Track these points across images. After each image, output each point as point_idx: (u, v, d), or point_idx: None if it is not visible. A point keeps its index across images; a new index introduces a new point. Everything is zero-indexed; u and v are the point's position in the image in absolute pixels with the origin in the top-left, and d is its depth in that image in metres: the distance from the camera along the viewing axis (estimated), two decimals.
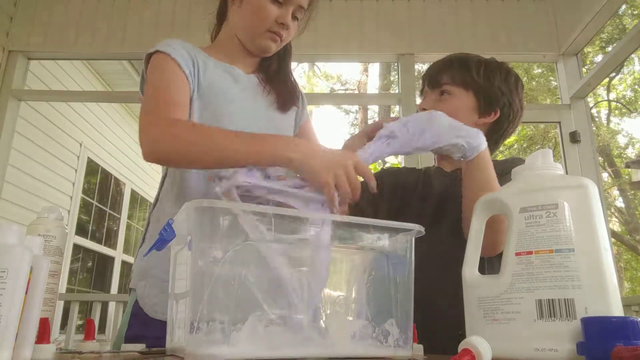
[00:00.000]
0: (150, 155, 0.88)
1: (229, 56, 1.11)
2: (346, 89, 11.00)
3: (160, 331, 0.80)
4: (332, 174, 0.76)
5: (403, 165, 2.86)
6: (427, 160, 2.68)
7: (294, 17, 1.07)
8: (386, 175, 1.22)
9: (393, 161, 8.33)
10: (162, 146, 0.87)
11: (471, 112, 1.10)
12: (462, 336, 0.60)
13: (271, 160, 0.79)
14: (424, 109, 1.09)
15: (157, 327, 0.91)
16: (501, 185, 0.86)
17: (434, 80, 1.13)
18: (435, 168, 1.19)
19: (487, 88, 1.09)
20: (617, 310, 0.61)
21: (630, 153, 9.64)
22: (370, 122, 10.92)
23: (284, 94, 1.13)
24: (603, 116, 10.02)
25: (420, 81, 1.22)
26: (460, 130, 0.88)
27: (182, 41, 1.06)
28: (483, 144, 0.90)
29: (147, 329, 0.94)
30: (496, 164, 1.09)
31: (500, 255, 1.00)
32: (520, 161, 1.05)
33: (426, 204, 1.12)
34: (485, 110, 1.10)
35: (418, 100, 1.28)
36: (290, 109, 1.15)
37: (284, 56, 1.17)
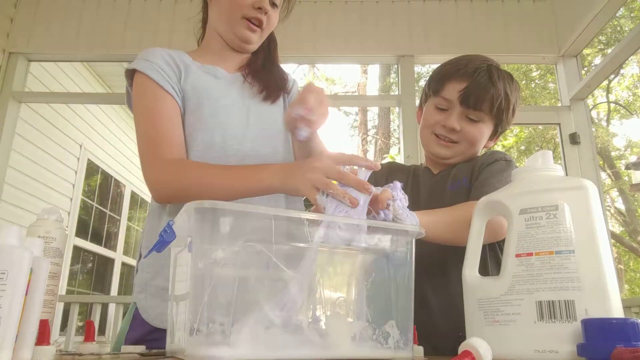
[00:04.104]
0: (157, 198, 0.96)
1: (214, 57, 1.10)
2: (346, 92, 11.00)
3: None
4: (310, 184, 0.72)
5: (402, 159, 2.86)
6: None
7: (273, 4, 1.06)
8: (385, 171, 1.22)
9: (391, 153, 8.32)
10: (163, 191, 0.94)
11: (486, 137, 1.13)
12: (462, 337, 0.60)
13: (258, 192, 0.84)
14: (453, 128, 1.08)
15: (159, 334, 0.91)
16: (487, 179, 0.83)
17: (474, 103, 1.06)
18: (424, 168, 1.19)
19: (506, 122, 1.12)
20: (617, 311, 0.61)
21: (629, 154, 9.64)
22: (370, 123, 10.91)
23: (271, 84, 1.11)
24: (602, 118, 10.03)
25: (432, 81, 1.13)
26: None
27: (161, 50, 1.05)
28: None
29: (148, 335, 0.94)
30: (477, 159, 1.10)
31: (498, 256, 1.01)
32: (498, 154, 1.08)
33: (415, 206, 1.12)
34: (495, 136, 1.15)
35: (417, 100, 1.24)
36: (279, 98, 1.12)
37: (268, 48, 1.16)
